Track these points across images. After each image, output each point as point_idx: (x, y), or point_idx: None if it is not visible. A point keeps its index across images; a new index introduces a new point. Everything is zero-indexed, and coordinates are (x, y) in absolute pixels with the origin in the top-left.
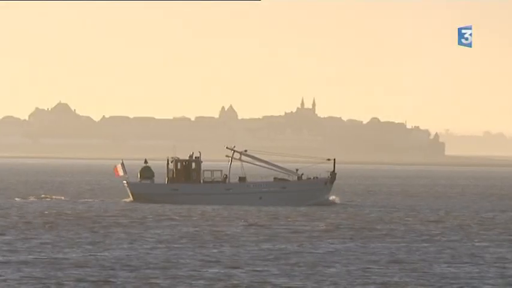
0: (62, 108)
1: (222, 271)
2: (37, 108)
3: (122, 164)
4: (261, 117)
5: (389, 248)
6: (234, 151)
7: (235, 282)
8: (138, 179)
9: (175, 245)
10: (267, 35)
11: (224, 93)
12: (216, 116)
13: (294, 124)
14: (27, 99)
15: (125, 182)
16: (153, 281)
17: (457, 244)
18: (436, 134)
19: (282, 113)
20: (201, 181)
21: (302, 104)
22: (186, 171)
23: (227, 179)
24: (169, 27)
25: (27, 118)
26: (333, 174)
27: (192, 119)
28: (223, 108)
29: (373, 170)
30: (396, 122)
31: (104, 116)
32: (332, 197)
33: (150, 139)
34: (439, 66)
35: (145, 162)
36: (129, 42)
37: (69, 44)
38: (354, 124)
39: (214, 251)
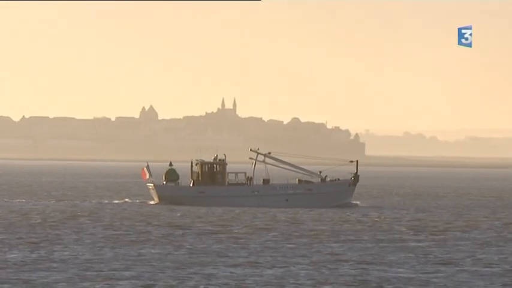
0: None
1: None
2: None
3: (147, 167)
4: (181, 118)
5: None
6: (258, 153)
7: None
8: (163, 182)
9: None
10: (188, 36)
11: (144, 93)
12: (137, 116)
13: (214, 124)
14: None
15: (150, 184)
16: None
17: None
18: (357, 134)
19: (203, 113)
20: (226, 183)
21: (223, 104)
22: (211, 173)
23: (251, 181)
24: (89, 27)
25: None
26: (356, 176)
27: (113, 119)
28: (143, 108)
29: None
30: (317, 122)
31: (23, 116)
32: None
33: (70, 139)
34: (358, 67)
35: (170, 164)
36: (50, 42)
37: None
38: (275, 124)
39: None
